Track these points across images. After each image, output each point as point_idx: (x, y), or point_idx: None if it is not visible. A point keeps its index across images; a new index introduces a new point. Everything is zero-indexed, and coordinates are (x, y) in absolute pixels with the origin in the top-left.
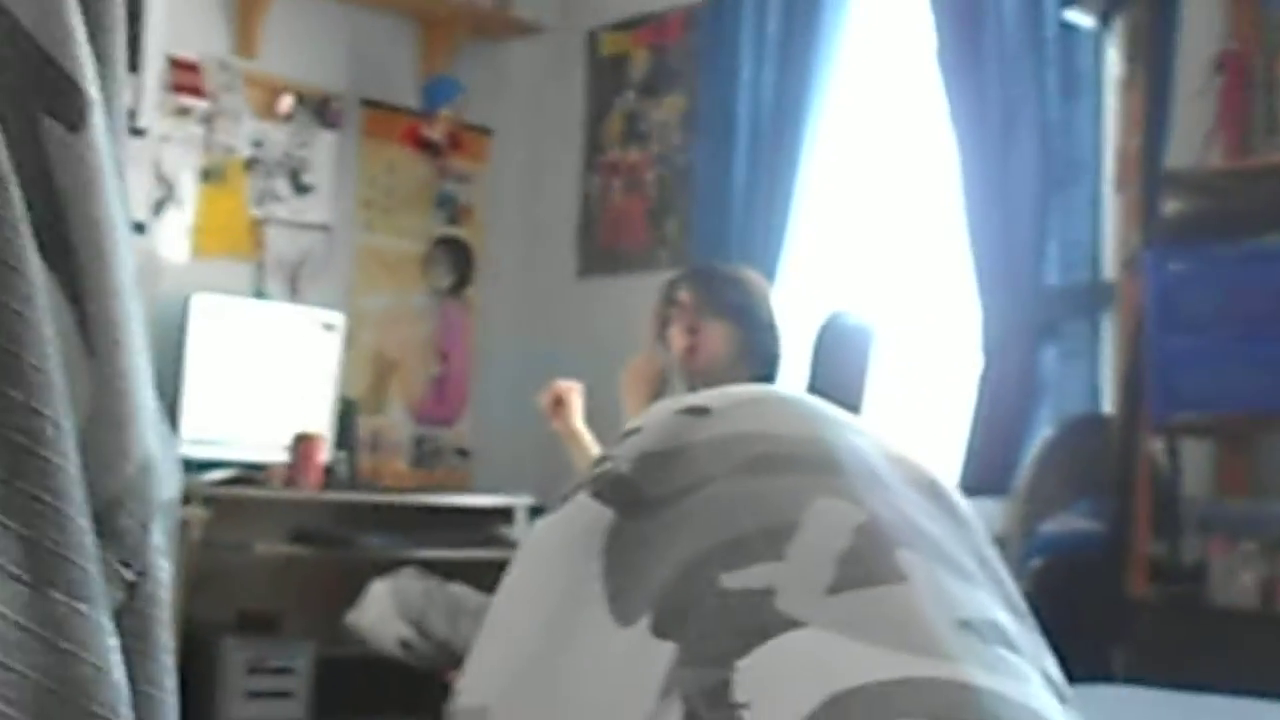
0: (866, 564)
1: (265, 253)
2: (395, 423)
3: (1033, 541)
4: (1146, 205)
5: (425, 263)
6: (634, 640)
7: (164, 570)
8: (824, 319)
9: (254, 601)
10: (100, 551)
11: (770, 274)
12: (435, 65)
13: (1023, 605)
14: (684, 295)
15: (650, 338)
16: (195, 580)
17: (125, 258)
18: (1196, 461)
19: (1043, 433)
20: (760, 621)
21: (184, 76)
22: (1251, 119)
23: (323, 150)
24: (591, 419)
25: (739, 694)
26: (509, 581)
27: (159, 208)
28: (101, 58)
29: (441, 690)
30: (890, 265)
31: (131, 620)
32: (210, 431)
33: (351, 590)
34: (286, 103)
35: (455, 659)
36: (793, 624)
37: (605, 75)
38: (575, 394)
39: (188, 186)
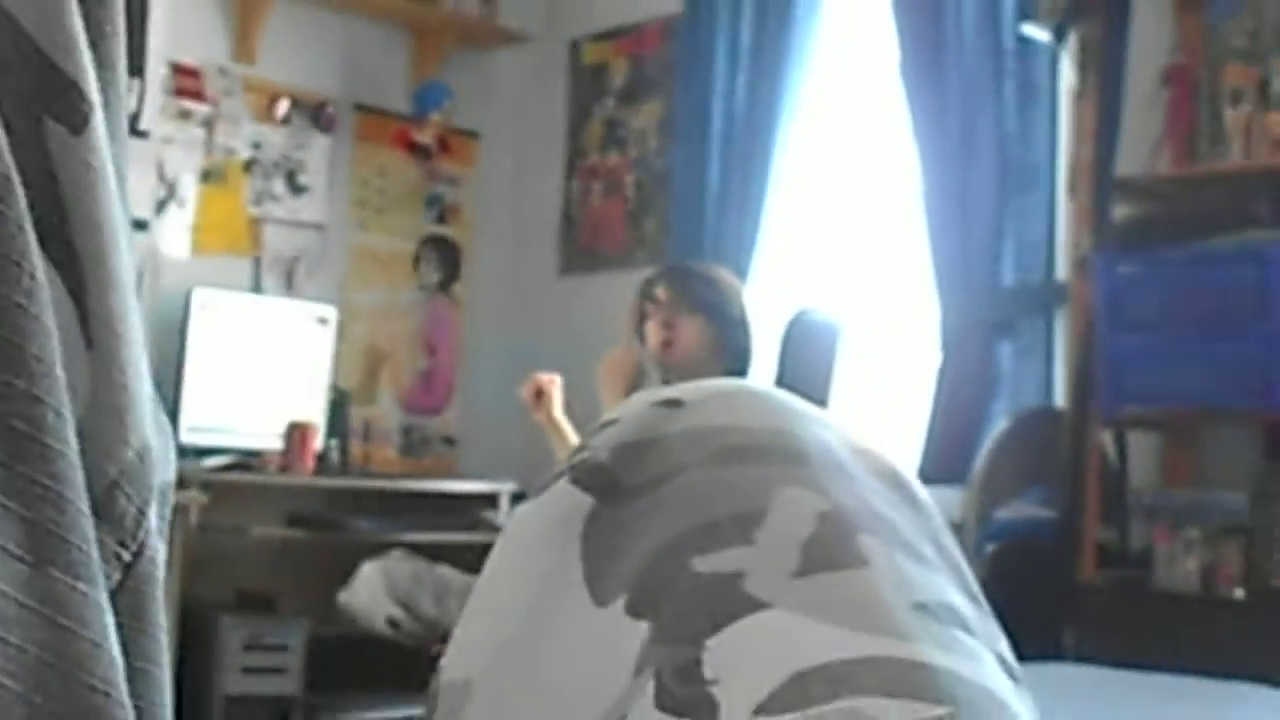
0: (830, 549)
1: (263, 250)
2: (385, 412)
3: (988, 528)
4: (1098, 210)
5: (415, 260)
6: (610, 619)
7: (159, 551)
8: (792, 315)
9: (250, 582)
10: (98, 533)
11: (742, 272)
12: (425, 72)
13: (977, 589)
14: (661, 292)
15: (628, 333)
16: (194, 561)
17: (125, 255)
18: (1143, 453)
19: (998, 425)
20: (729, 603)
21: (186, 81)
22: (1197, 129)
23: (318, 153)
24: (571, 410)
25: (709, 671)
26: (493, 563)
27: (161, 206)
28: (103, 63)
29: (428, 665)
30: (855, 265)
31: (128, 599)
32: (209, 419)
33: (343, 571)
34: (283, 107)
35: (441, 636)
36: (760, 605)
37: (587, 83)
38: (555, 386)
39: (189, 186)
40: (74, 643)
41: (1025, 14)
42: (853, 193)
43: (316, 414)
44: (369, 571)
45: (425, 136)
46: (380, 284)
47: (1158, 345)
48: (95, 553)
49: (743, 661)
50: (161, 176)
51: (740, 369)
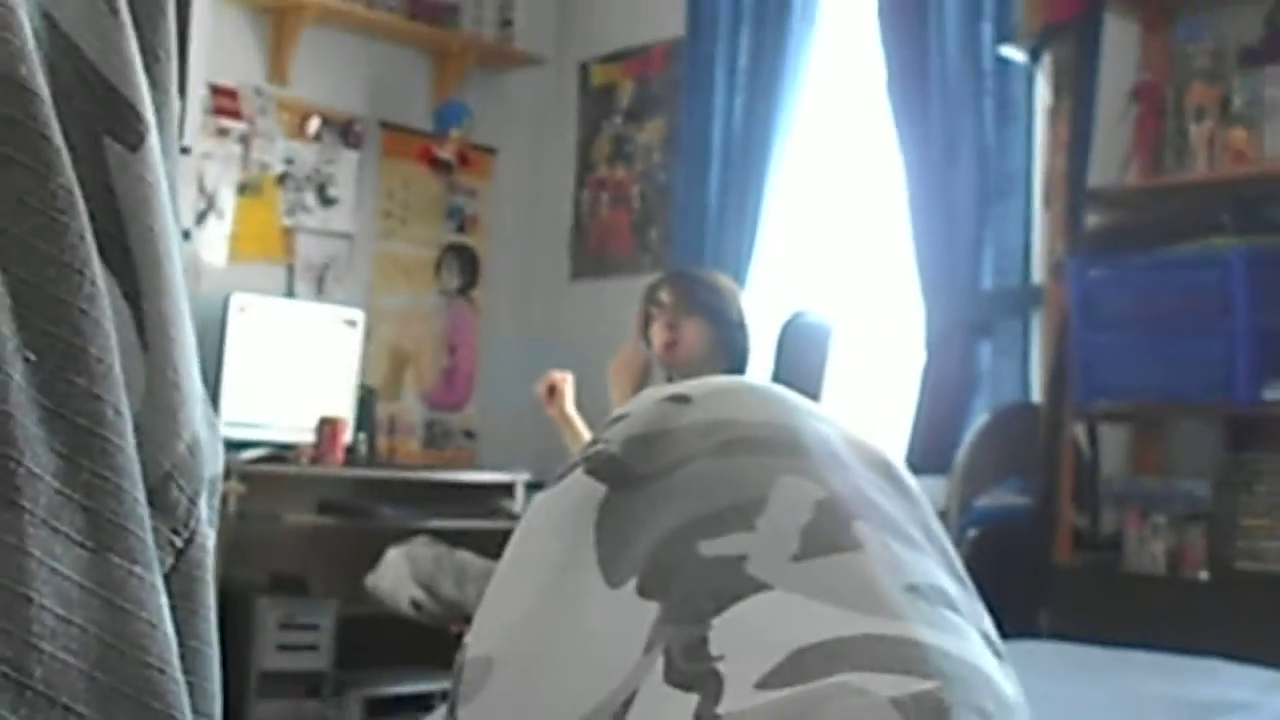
0: (827, 534)
1: (295, 257)
2: (409, 408)
3: (970, 514)
4: (1071, 218)
5: (436, 267)
6: (622, 600)
7: (209, 538)
8: (787, 317)
9: (284, 565)
10: (153, 521)
11: (740, 278)
12: (446, 92)
13: (963, 571)
14: (665, 296)
15: (635, 334)
16: (232, 547)
17: (176, 262)
18: (1114, 444)
19: (979, 419)
20: (733, 584)
21: (224, 101)
22: (1163, 143)
23: (346, 167)
24: (582, 405)
25: (714, 648)
26: (512, 548)
27: (202, 218)
28: (157, 85)
29: (449, 643)
30: (845, 270)
31: (179, 582)
32: (246, 415)
33: (370, 556)
34: (314, 125)
35: (462, 617)
36: (762, 587)
37: (596, 102)
38: (568, 383)
39: (227, 199)
40: (132, 623)
41: (1003, 36)
42: (843, 203)
43: (346, 409)
44: (394, 556)
45: (446, 152)
46: (404, 289)
47: (1127, 344)
48: (151, 539)
49: (746, 639)
50: (202, 190)
51: (740, 367)
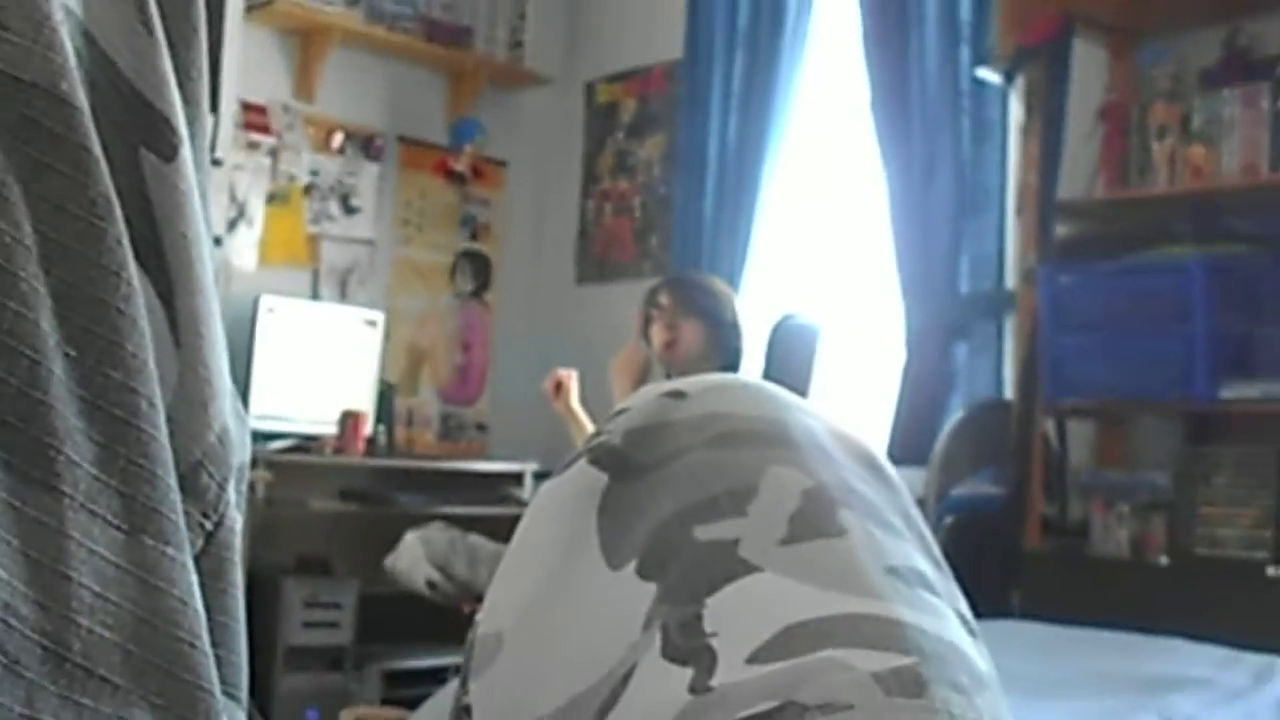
0: (813, 521)
1: (320, 262)
2: (426, 402)
3: (947, 503)
4: (1042, 229)
5: (451, 271)
6: (622, 581)
7: (237, 522)
8: (777, 319)
9: (309, 548)
10: (184, 506)
11: (734, 282)
12: (460, 109)
13: (940, 555)
14: (664, 300)
15: (636, 334)
16: (261, 531)
17: (207, 266)
18: (1081, 438)
19: (955, 414)
20: (726, 567)
21: (254, 117)
22: (1128, 159)
23: (368, 179)
24: (586, 400)
25: (708, 625)
26: (521, 532)
27: (233, 225)
28: (189, 101)
29: (461, 621)
30: (831, 275)
31: (209, 562)
32: (274, 408)
33: (389, 539)
34: (338, 139)
35: (474, 596)
36: (753, 569)
37: (600, 119)
38: (573, 380)
39: (256, 208)
40: (164, 600)
41: (979, 59)
42: (830, 213)
43: (366, 403)
44: (411, 540)
45: (460, 165)
46: (421, 292)
47: (1093, 345)
48: (182, 523)
49: (737, 617)
50: (233, 199)
51: (734, 365)
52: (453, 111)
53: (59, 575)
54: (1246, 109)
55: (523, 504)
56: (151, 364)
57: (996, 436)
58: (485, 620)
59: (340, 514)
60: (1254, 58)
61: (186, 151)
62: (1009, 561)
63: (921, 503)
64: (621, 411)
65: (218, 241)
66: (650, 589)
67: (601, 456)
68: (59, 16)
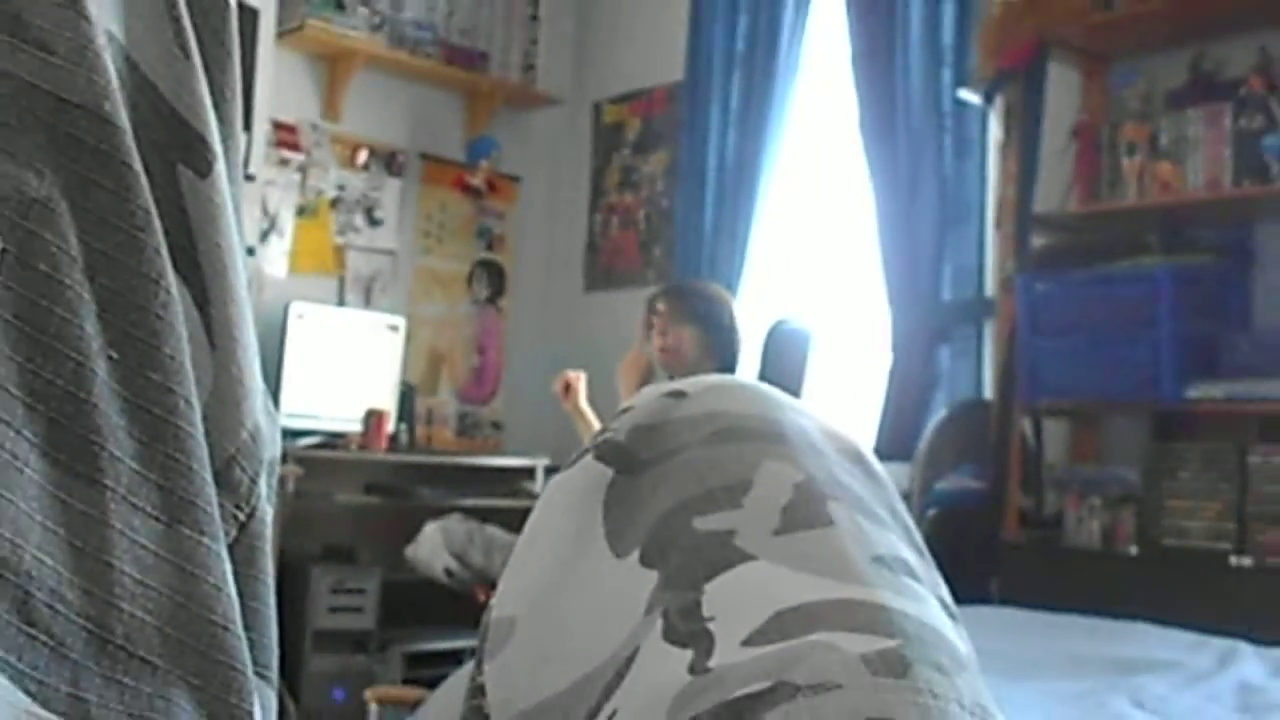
0: (804, 512)
1: (346, 271)
2: (444, 401)
3: (930, 496)
4: (1019, 240)
5: (468, 279)
6: (626, 569)
7: (268, 513)
8: (772, 324)
9: (335, 538)
10: (219, 498)
11: (732, 289)
12: (477, 128)
13: (923, 545)
14: (661, 306)
15: (639, 339)
16: (290, 521)
17: (240, 274)
18: (1055, 436)
19: (938, 413)
20: (723, 555)
21: (284, 135)
22: (1100, 175)
23: (390, 193)
24: (594, 400)
25: (707, 610)
26: (532, 523)
27: (265, 236)
28: (224, 120)
29: (477, 606)
30: (823, 282)
31: (242, 551)
32: (303, 407)
33: (410, 530)
34: (363, 156)
35: (488, 583)
36: (748, 557)
37: (607, 137)
38: (581, 381)
39: (287, 220)
40: (199, 586)
41: (960, 81)
42: (821, 224)
43: (389, 403)
44: (430, 530)
45: (477, 180)
46: (440, 299)
47: (1067, 349)
48: (217, 514)
49: (734, 603)
50: (265, 212)
51: (730, 367)
52: (470, 130)
53: (102, 563)
54: (1210, 128)
55: (534, 497)
56: (188, 366)
57: (977, 434)
58: (499, 605)
59: (364, 506)
60: (1217, 80)
61: (221, 167)
62: (988, 551)
63: (906, 496)
64: (626, 410)
65: (251, 251)
66: (652, 576)
67: (607, 452)
68: (102, 42)
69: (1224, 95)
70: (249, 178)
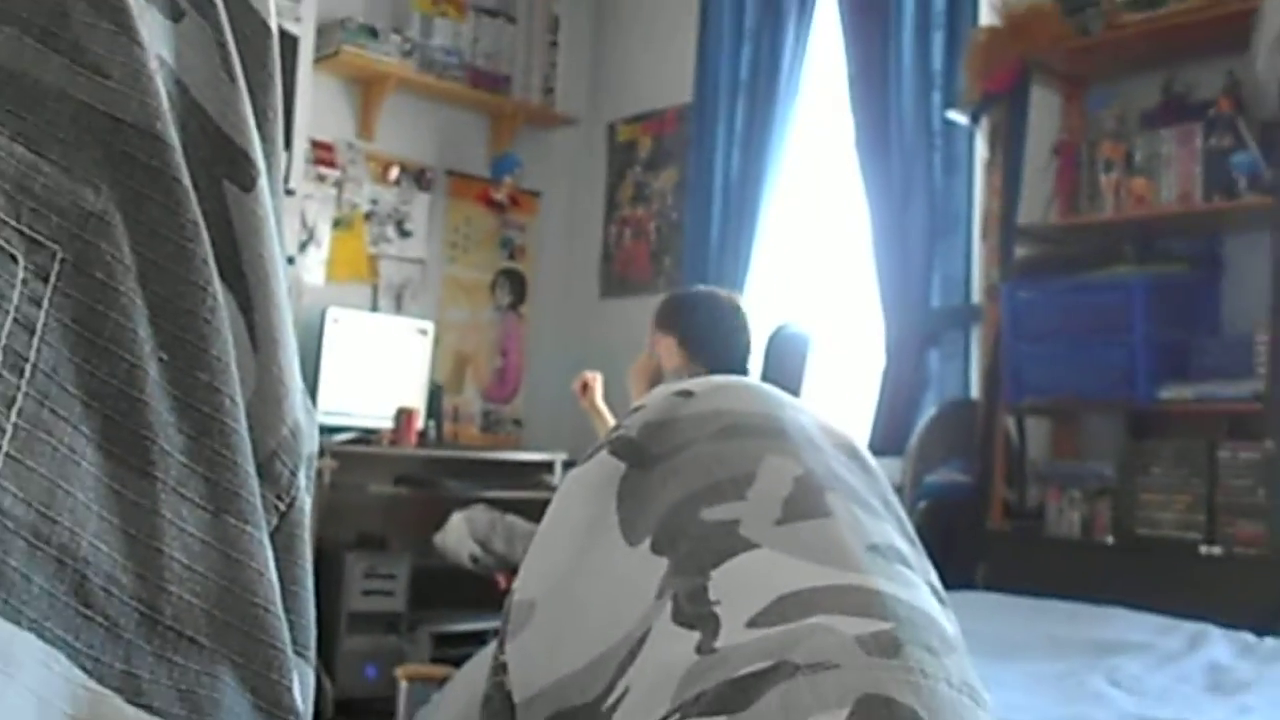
0: (804, 504)
1: (379, 279)
2: (470, 400)
3: (921, 489)
4: (1004, 250)
5: (492, 287)
6: (639, 556)
7: (306, 503)
8: (774, 328)
9: (368, 527)
10: (261, 490)
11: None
12: (500, 146)
13: (914, 534)
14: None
15: (648, 344)
16: (326, 511)
17: (281, 281)
18: (1037, 433)
19: (928, 411)
20: (729, 544)
21: (321, 153)
22: (1079, 190)
23: (420, 206)
24: (609, 399)
25: (713, 594)
26: (550, 513)
27: (303, 247)
28: (266, 138)
29: (499, 591)
30: (821, 290)
31: (282, 539)
32: (338, 405)
33: (437, 519)
34: (394, 172)
35: (510, 569)
36: (752, 546)
37: (620, 155)
38: (597, 381)
39: (324, 232)
40: (244, 571)
41: (949, 103)
42: (819, 236)
43: (418, 401)
44: (456, 519)
45: (500, 194)
46: (466, 305)
47: (1048, 352)
48: (259, 504)
49: (738, 588)
50: (304, 224)
51: (726, 366)
52: (493, 148)
53: (153, 549)
54: (1182, 146)
55: (553, 488)
56: (233, 366)
57: (964, 431)
58: (520, 589)
59: (395, 497)
60: (1188, 101)
61: (264, 183)
62: (975, 540)
63: (899, 489)
64: (638, 409)
65: (290, 261)
66: (663, 563)
67: (620, 448)
68: (154, 66)
69: (1194, 116)
70: (289, 192)
